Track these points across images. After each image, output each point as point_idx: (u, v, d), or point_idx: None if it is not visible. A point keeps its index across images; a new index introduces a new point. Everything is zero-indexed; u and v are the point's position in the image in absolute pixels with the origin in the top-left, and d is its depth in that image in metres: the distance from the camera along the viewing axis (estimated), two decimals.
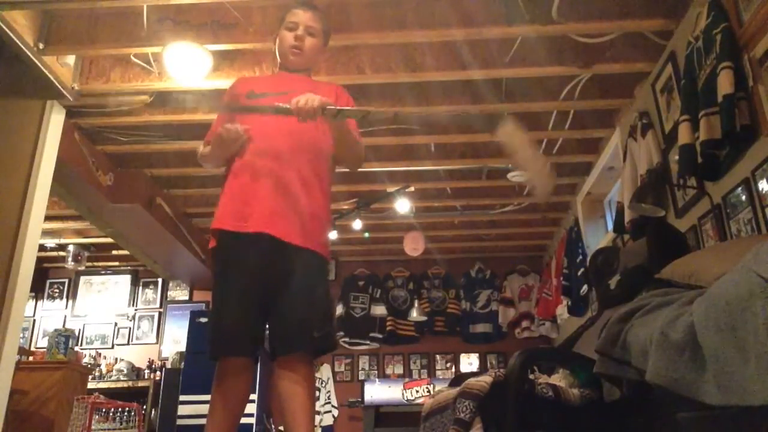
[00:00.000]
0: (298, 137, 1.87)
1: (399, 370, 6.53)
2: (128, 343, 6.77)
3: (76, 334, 6.07)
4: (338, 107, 1.78)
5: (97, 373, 6.09)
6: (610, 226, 4.21)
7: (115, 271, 7.05)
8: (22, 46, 2.96)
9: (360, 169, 4.96)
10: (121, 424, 4.64)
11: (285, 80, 2.06)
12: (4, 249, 3.00)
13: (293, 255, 1.77)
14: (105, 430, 4.48)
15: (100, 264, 6.90)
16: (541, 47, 3.22)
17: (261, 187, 1.82)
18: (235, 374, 1.78)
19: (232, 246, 1.80)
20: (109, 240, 5.54)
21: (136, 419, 4.76)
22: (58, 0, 2.90)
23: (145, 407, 5.76)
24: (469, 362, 6.52)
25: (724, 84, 2.26)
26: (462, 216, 5.51)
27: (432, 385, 6.04)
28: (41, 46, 3.05)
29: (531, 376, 2.09)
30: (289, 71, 2.09)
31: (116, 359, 6.42)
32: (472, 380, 2.16)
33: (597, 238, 4.67)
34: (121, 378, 6.17)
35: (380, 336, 6.46)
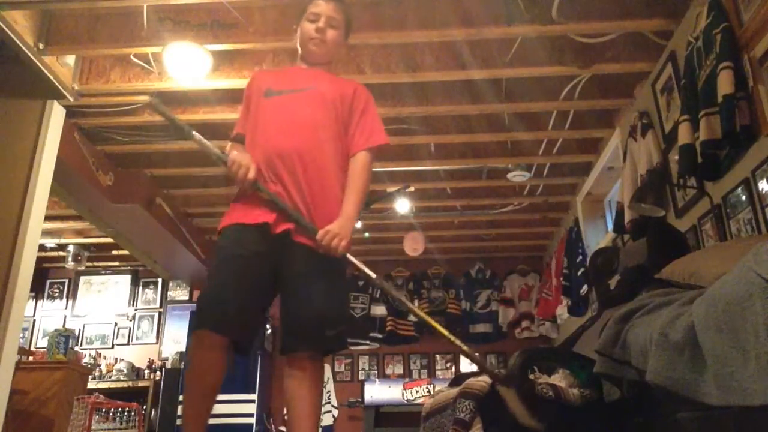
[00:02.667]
0: (323, 133, 1.84)
1: (399, 370, 6.53)
2: (128, 343, 6.76)
3: (76, 334, 6.07)
4: (351, 261, 1.76)
5: (97, 373, 6.09)
6: (610, 226, 4.20)
7: (115, 271, 7.05)
8: (22, 46, 2.96)
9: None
10: (121, 424, 4.64)
11: (304, 75, 1.99)
12: (4, 249, 3.00)
13: (309, 252, 1.73)
14: (105, 430, 4.49)
15: (100, 264, 6.90)
16: (541, 47, 3.23)
17: (281, 190, 1.77)
18: (209, 348, 1.69)
19: (241, 231, 1.75)
20: (109, 240, 5.54)
21: (136, 419, 4.76)
22: (58, 0, 2.90)
23: (145, 407, 5.75)
24: (469, 362, 6.51)
25: (724, 84, 2.26)
26: (462, 216, 5.51)
27: (432, 385, 6.03)
28: (41, 46, 3.05)
29: (531, 376, 2.09)
30: (309, 65, 2.02)
31: (116, 359, 6.41)
32: (472, 380, 2.17)
33: (597, 238, 4.66)
34: (121, 378, 6.17)
35: (380, 336, 6.45)
